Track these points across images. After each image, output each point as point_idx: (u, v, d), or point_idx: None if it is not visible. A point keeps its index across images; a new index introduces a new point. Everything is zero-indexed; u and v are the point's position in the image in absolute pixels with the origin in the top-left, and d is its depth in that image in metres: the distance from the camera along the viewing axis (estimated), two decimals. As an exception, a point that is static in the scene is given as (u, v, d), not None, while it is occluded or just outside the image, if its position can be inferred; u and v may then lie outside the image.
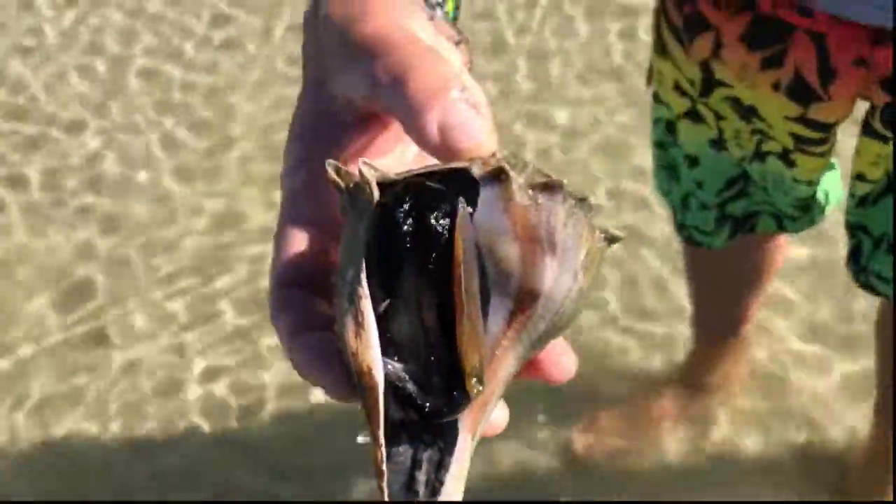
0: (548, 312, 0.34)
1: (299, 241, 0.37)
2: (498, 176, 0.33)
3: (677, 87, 0.97)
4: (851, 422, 1.43)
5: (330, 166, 0.34)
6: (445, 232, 0.33)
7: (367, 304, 0.32)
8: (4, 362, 1.63)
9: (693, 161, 1.05)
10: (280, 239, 0.37)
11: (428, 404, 0.33)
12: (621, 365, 1.53)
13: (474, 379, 0.33)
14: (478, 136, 0.34)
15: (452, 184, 0.33)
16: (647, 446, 1.46)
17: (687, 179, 1.09)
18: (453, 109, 0.34)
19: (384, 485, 0.32)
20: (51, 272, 1.74)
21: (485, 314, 0.34)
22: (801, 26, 0.83)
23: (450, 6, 0.45)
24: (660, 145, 1.09)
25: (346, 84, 0.37)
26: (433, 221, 0.33)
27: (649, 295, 1.60)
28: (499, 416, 0.36)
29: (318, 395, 1.52)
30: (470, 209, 0.33)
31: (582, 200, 0.35)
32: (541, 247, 0.34)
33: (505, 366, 0.34)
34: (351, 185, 0.34)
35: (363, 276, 0.32)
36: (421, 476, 0.33)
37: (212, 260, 1.72)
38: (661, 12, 0.94)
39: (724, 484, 1.41)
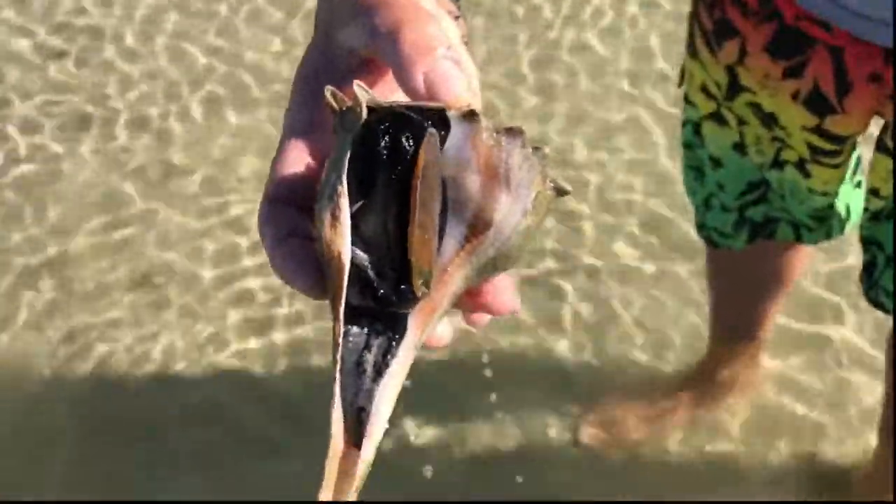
0: (496, 241, 0.39)
1: (294, 162, 0.42)
2: (470, 117, 0.39)
3: (704, 89, 1.01)
4: (864, 436, 1.45)
5: (328, 91, 0.40)
6: (412, 149, 0.38)
7: (344, 201, 0.37)
8: (51, 292, 1.73)
9: (717, 162, 1.09)
10: (276, 161, 0.42)
11: (382, 291, 0.38)
12: (635, 360, 1.57)
13: (421, 280, 0.38)
14: (457, 89, 0.40)
15: (430, 119, 0.39)
16: (654, 441, 1.49)
17: (710, 181, 1.12)
18: (438, 65, 0.40)
19: (338, 356, 0.37)
20: (99, 206, 1.83)
21: (442, 234, 0.39)
22: (822, 39, 0.86)
23: None
24: (688, 146, 1.13)
25: (350, 34, 0.43)
26: (405, 142, 0.38)
27: (667, 294, 1.63)
28: (444, 330, 0.41)
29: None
30: (439, 142, 0.39)
31: (537, 149, 0.40)
32: (498, 182, 0.39)
33: (454, 282, 0.39)
34: (344, 107, 0.39)
35: (344, 177, 0.37)
36: (370, 357, 0.38)
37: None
38: (694, 15, 0.98)
39: (724, 485, 1.44)
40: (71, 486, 1.51)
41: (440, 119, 0.39)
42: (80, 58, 2.13)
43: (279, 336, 1.65)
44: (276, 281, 1.69)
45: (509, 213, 0.39)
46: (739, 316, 1.42)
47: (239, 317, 1.68)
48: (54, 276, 1.77)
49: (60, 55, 2.14)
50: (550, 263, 1.70)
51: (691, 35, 0.99)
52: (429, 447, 1.50)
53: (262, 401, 1.58)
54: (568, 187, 0.41)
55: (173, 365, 1.63)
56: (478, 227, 0.39)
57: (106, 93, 2.06)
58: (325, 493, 0.37)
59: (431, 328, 0.40)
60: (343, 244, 0.37)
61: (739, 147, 1.04)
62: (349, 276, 0.37)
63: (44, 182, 1.92)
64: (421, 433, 1.52)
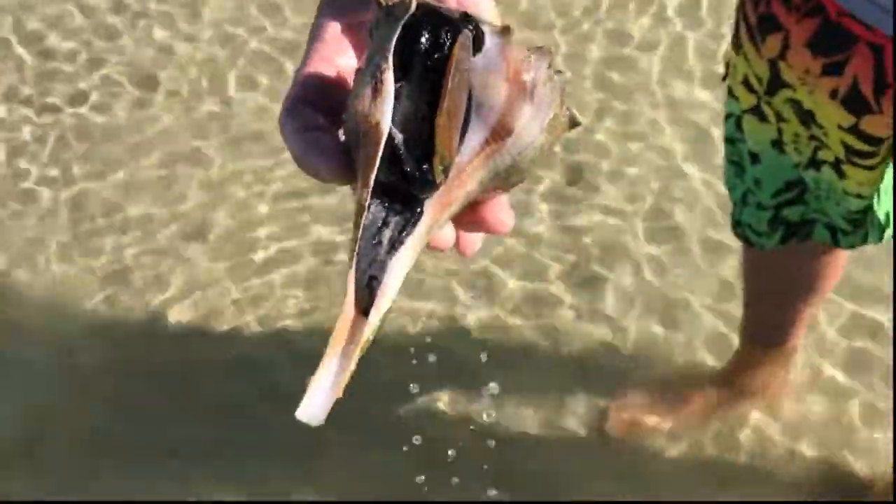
0: (514, 149, 0.42)
1: (317, 68, 0.45)
2: (505, 31, 0.42)
3: (746, 82, 1.01)
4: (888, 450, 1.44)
5: None
6: (449, 43, 0.41)
7: (389, 75, 0.40)
8: (109, 238, 1.79)
9: (755, 158, 1.09)
10: (300, 68, 0.45)
11: (408, 168, 0.41)
12: (664, 354, 1.58)
13: (441, 165, 0.41)
14: (485, 10, 0.44)
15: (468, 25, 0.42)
16: (677, 437, 1.50)
17: (749, 176, 1.13)
18: None
19: (363, 222, 0.40)
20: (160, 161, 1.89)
21: (464, 134, 0.42)
22: (864, 37, 0.86)
23: None
24: (730, 140, 1.13)
25: None
26: (444, 36, 0.41)
27: (703, 290, 1.63)
28: (447, 234, 0.43)
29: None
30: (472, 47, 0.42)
31: (558, 72, 0.44)
32: (523, 94, 0.42)
33: (470, 182, 0.42)
34: (391, 2, 0.42)
35: (390, 55, 0.40)
36: (387, 232, 0.41)
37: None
38: (739, 8, 0.98)
39: (742, 486, 1.44)
40: (106, 425, 1.58)
41: (475, 28, 0.42)
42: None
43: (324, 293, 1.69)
44: (324, 240, 1.74)
45: (529, 125, 0.42)
46: (772, 318, 1.41)
47: (284, 277, 1.73)
48: (113, 222, 1.83)
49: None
50: (592, 251, 1.71)
51: (736, 28, 1.00)
52: (454, 426, 1.53)
53: (297, 360, 1.62)
54: (580, 119, 0.44)
55: (215, 318, 1.68)
56: (499, 132, 0.42)
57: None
58: (332, 350, 0.39)
59: (443, 222, 0.42)
60: (383, 114, 0.39)
61: (778, 144, 1.04)
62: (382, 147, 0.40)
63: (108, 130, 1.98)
64: (448, 411, 1.55)
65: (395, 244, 0.41)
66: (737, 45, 1.01)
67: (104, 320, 1.69)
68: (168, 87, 2.01)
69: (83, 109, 2.00)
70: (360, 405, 1.44)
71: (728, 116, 1.11)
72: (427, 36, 0.41)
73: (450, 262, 1.69)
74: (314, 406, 0.39)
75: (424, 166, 0.40)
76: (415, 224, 0.41)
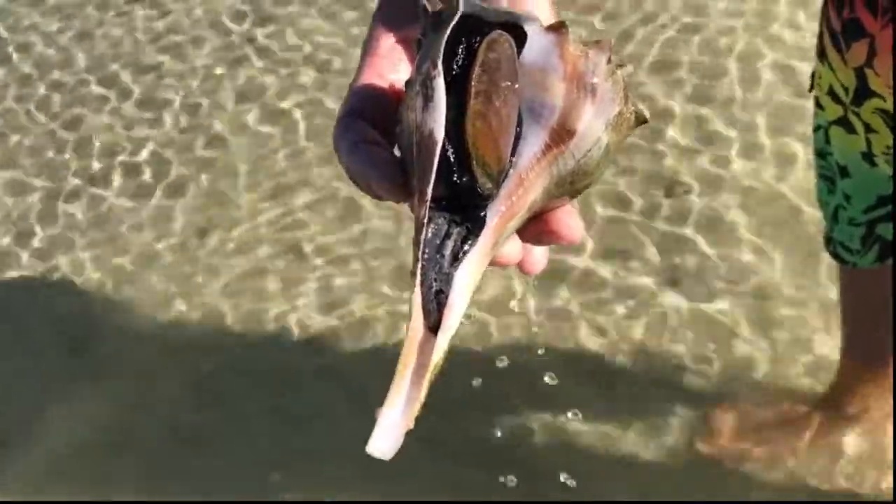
0: (577, 152, 0.39)
1: (369, 81, 0.44)
2: (558, 28, 0.40)
3: (832, 92, 0.97)
4: None
5: None
6: (484, 46, 0.39)
7: (439, 82, 0.38)
8: (212, 248, 1.85)
9: (844, 171, 1.05)
10: (353, 81, 0.45)
11: (460, 178, 0.38)
12: (761, 373, 1.52)
13: (481, 169, 0.38)
14: (540, 8, 0.42)
15: (516, 30, 0.40)
16: (771, 460, 1.44)
17: (839, 191, 1.08)
18: None
19: (423, 238, 0.38)
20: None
21: (518, 139, 0.39)
22: (952, 44, 0.82)
23: None
24: (820, 154, 1.09)
25: None
26: (476, 40, 0.39)
27: (805, 308, 1.57)
28: (513, 247, 0.41)
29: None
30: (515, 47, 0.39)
31: (620, 66, 0.40)
32: (584, 91, 0.39)
33: (533, 189, 0.39)
34: (438, 8, 0.40)
35: (440, 61, 0.38)
36: (449, 244, 0.38)
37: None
38: (823, 16, 0.95)
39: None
40: (205, 422, 1.63)
41: (516, 28, 0.40)
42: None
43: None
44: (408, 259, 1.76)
45: (592, 124, 0.39)
46: (870, 339, 1.35)
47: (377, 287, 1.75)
48: (217, 236, 1.90)
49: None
50: (688, 266, 1.67)
51: (820, 36, 0.96)
52: (541, 440, 1.52)
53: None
54: (647, 115, 0.41)
55: (307, 326, 1.72)
56: (561, 134, 0.39)
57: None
58: (401, 376, 0.37)
59: (508, 233, 0.40)
60: (436, 122, 0.37)
61: (868, 156, 0.99)
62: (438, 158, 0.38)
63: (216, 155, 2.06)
64: (534, 425, 1.54)
65: (458, 255, 0.38)
66: (821, 53, 0.97)
67: (204, 327, 1.76)
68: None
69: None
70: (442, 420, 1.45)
71: (817, 129, 1.07)
72: (464, 42, 0.39)
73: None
74: (384, 440, 0.37)
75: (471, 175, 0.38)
76: (477, 235, 0.38)
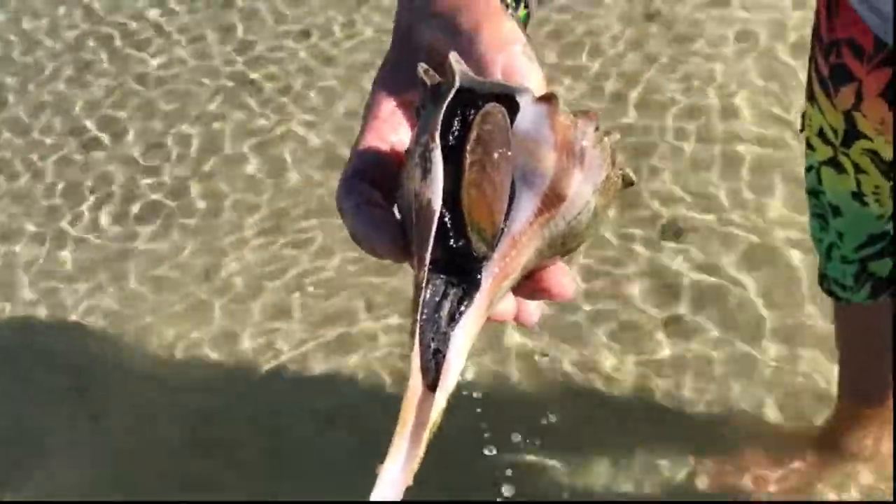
0: (568, 215, 0.42)
1: (371, 144, 0.46)
2: (549, 99, 0.42)
3: (821, 134, 0.99)
4: None
5: (421, 67, 0.44)
6: (479, 119, 0.41)
7: (437, 154, 0.40)
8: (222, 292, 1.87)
9: (836, 210, 1.06)
10: (355, 143, 0.46)
11: (455, 243, 0.40)
12: (761, 413, 1.53)
13: (476, 234, 0.40)
14: (532, 80, 0.44)
15: (509, 100, 0.42)
16: (777, 497, 1.44)
17: (831, 229, 1.10)
18: (515, 58, 0.44)
19: (421, 300, 0.40)
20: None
21: (511, 204, 0.41)
22: (936, 88, 0.84)
23: (521, 13, 0.54)
24: (812, 193, 1.10)
25: (431, 33, 0.47)
26: (471, 113, 0.41)
27: (804, 347, 1.58)
28: (507, 306, 0.43)
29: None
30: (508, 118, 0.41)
31: (608, 134, 0.43)
32: (573, 159, 0.41)
33: (526, 252, 0.41)
34: (436, 81, 0.43)
35: (437, 134, 0.40)
36: (446, 304, 0.40)
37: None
38: (812, 61, 0.97)
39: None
40: (203, 467, 1.63)
41: (509, 99, 0.42)
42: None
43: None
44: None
45: (581, 189, 0.42)
46: (866, 376, 1.35)
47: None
48: (217, 278, 1.91)
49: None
50: (687, 300, 1.68)
51: (809, 80, 0.98)
52: (550, 476, 1.52)
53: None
54: (634, 178, 0.44)
55: (310, 370, 1.73)
56: (552, 199, 0.41)
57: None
58: (401, 434, 0.39)
59: (503, 293, 0.42)
60: (434, 193, 0.39)
61: (858, 196, 1.01)
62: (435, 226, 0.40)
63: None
64: (546, 465, 1.54)
65: (454, 316, 0.40)
66: (810, 96, 0.99)
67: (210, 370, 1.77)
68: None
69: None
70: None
71: (808, 169, 1.09)
72: (459, 114, 0.41)
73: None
74: (385, 496, 0.38)
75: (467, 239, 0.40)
76: (473, 296, 0.40)
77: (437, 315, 0.40)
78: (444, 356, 0.40)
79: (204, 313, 1.85)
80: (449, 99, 0.41)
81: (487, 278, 0.41)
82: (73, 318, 1.91)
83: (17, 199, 2.21)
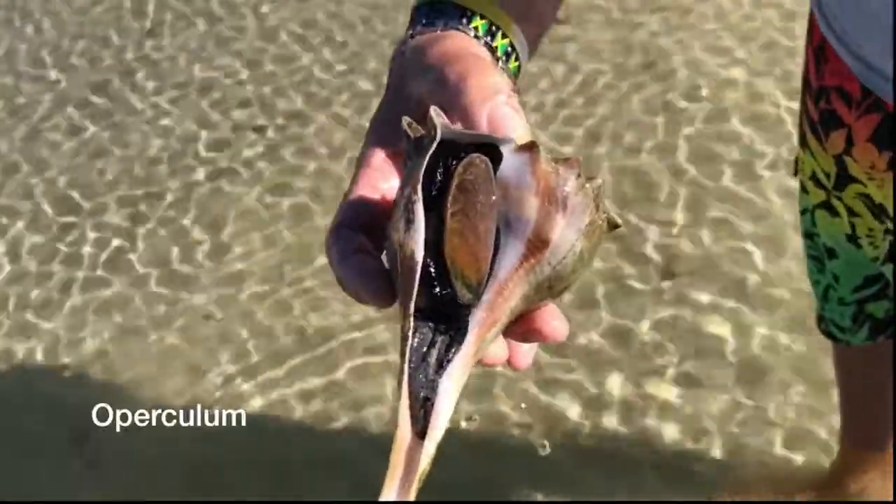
0: (553, 259, 0.42)
1: (362, 193, 0.47)
2: (531, 148, 0.43)
3: (814, 177, 1.00)
4: None
5: (405, 121, 0.45)
6: (460, 169, 0.42)
7: (418, 205, 0.41)
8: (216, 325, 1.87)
9: (831, 253, 1.07)
10: (347, 192, 0.47)
11: (441, 290, 0.41)
12: (764, 453, 1.52)
13: (460, 281, 0.41)
14: (516, 130, 0.45)
15: (492, 149, 0.43)
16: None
17: (828, 271, 1.10)
18: (500, 108, 0.45)
19: (407, 349, 0.40)
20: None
21: (497, 251, 0.42)
22: (925, 131, 0.84)
23: (513, 65, 0.55)
24: (808, 235, 1.11)
25: (420, 85, 0.49)
26: (453, 163, 0.42)
27: (808, 388, 1.58)
28: (498, 350, 0.43)
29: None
30: (491, 167, 0.42)
31: (591, 180, 0.44)
32: (555, 205, 0.42)
33: (513, 297, 0.42)
34: (419, 134, 0.44)
35: (419, 186, 0.41)
36: (434, 352, 0.41)
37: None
38: (803, 106, 0.98)
39: None
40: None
41: (490, 149, 0.43)
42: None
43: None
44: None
45: (565, 234, 0.42)
46: (868, 420, 1.35)
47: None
48: (218, 323, 1.91)
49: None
50: (687, 348, 1.68)
51: (801, 124, 1.00)
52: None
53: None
54: (619, 221, 0.45)
55: (310, 414, 1.72)
56: (536, 244, 0.42)
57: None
58: (390, 484, 0.39)
59: (491, 339, 0.42)
60: (417, 244, 0.40)
61: (852, 238, 1.02)
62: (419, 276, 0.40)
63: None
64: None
65: (442, 363, 0.41)
66: (802, 141, 1.00)
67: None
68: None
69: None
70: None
71: (803, 212, 1.09)
72: (441, 166, 0.43)
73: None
74: None
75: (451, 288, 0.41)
76: (460, 343, 0.41)
77: (424, 362, 0.41)
78: (432, 404, 0.40)
79: (200, 361, 1.85)
80: (431, 151, 0.42)
81: (474, 325, 0.41)
82: (70, 365, 1.90)
83: (14, 242, 2.22)
